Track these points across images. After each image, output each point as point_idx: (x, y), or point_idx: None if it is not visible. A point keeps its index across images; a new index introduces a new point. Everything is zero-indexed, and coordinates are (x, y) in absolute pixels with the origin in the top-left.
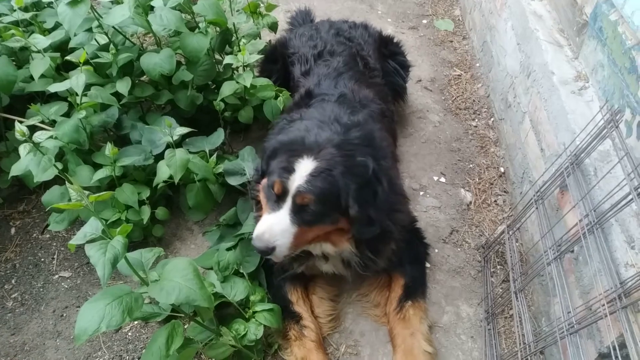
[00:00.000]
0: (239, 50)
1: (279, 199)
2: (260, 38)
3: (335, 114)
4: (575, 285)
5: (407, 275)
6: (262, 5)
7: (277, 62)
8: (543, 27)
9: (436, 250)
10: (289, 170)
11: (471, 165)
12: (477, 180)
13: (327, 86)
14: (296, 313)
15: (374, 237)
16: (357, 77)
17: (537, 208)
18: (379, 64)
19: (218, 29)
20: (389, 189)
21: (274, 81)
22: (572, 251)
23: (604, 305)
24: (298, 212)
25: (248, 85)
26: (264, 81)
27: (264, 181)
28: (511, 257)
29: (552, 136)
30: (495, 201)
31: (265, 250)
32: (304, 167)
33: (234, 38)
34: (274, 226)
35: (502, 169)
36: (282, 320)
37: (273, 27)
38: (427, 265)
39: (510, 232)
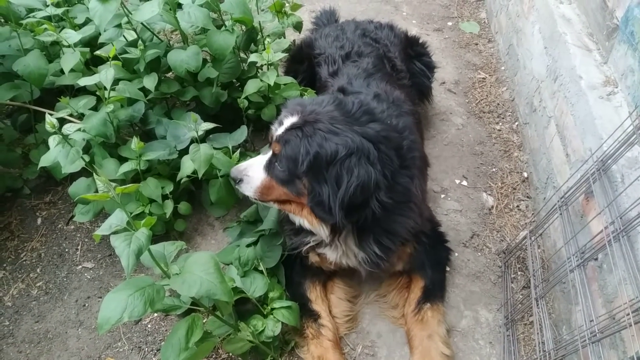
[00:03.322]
0: (264, 49)
1: (270, 146)
2: (285, 37)
3: (382, 107)
4: (598, 294)
5: (428, 278)
6: (287, 4)
7: (302, 63)
8: (571, 31)
9: (456, 254)
10: (280, 122)
11: (494, 169)
12: (500, 184)
13: (359, 85)
14: (314, 311)
15: (381, 234)
16: (387, 79)
17: (561, 214)
18: (405, 65)
19: (244, 27)
20: (394, 195)
21: (300, 81)
22: (596, 259)
23: (628, 314)
24: (273, 162)
25: (272, 84)
26: (288, 80)
27: None
28: (533, 263)
29: (579, 141)
30: (517, 206)
31: (234, 178)
32: (288, 122)
33: (259, 36)
34: (253, 165)
35: (525, 174)
36: (300, 318)
37: (298, 26)
38: (447, 268)
39: (533, 238)
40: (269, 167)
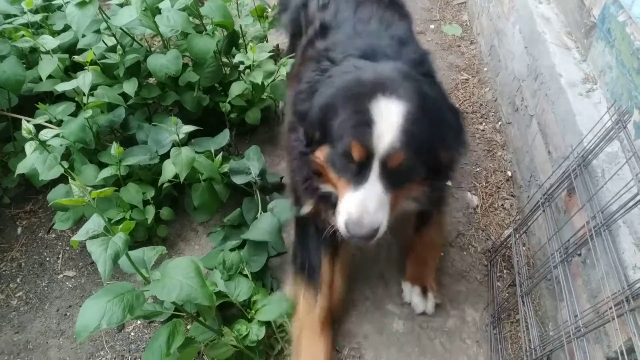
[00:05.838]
0: (246, 53)
1: (361, 166)
2: (267, 41)
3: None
4: (582, 289)
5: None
6: (268, 9)
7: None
8: (551, 30)
9: (442, 254)
10: (368, 123)
11: (478, 169)
12: (484, 184)
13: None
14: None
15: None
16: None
17: (544, 211)
18: None
19: (225, 31)
20: None
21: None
22: (580, 254)
23: (611, 308)
24: (390, 175)
25: (260, 83)
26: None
27: (325, 152)
28: (518, 261)
29: (560, 138)
30: (502, 205)
31: (370, 235)
32: (390, 112)
33: (240, 40)
34: (369, 204)
35: (509, 173)
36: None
37: None
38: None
39: (517, 236)
40: (388, 182)
